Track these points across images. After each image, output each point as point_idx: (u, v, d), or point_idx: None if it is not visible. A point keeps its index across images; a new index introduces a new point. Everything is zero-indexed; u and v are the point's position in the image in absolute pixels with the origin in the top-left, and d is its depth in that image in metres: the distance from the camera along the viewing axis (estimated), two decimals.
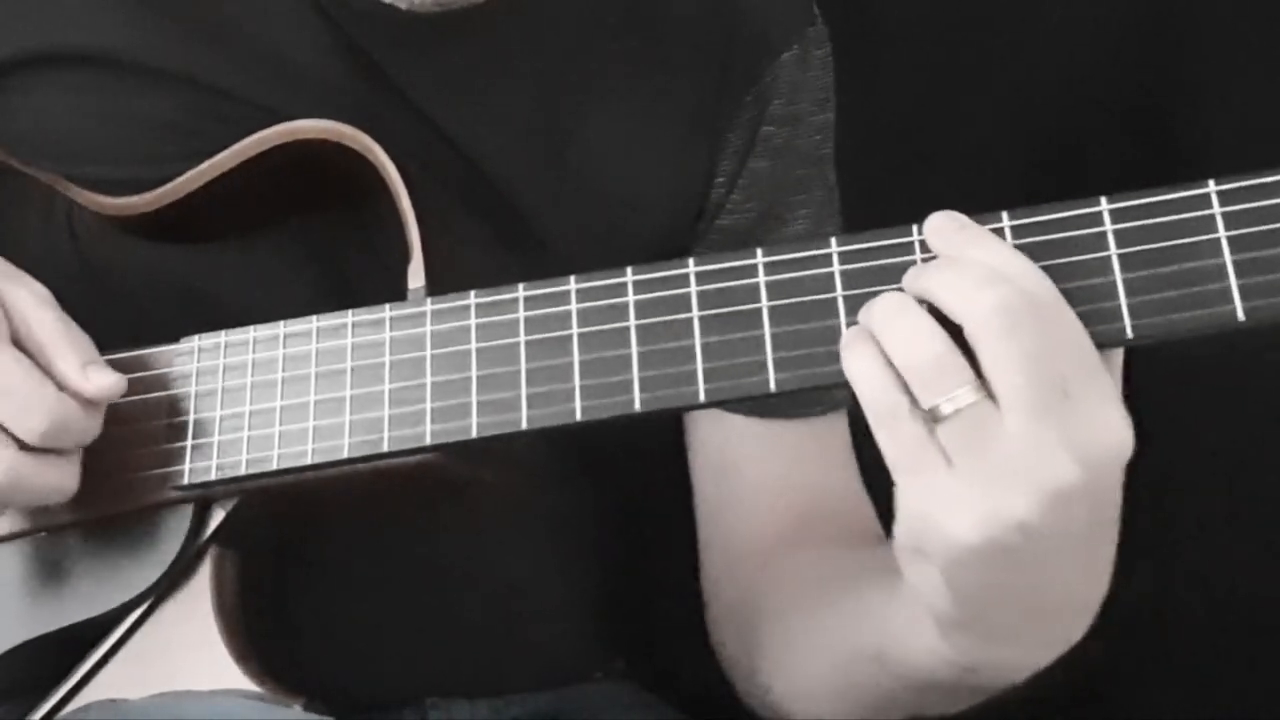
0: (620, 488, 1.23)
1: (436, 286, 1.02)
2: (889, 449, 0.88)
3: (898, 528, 0.90)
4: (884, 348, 0.88)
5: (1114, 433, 0.87)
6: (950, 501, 0.87)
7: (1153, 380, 1.55)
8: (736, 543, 1.21)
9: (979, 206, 0.93)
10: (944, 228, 0.91)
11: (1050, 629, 0.94)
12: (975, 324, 0.86)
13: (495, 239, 1.15)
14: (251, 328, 1.05)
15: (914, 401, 0.87)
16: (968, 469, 0.86)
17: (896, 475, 0.89)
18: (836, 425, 1.22)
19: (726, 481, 1.22)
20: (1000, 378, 0.86)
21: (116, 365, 1.06)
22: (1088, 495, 0.86)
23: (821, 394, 1.14)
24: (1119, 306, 0.89)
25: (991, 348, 0.86)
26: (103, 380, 1.01)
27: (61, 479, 1.01)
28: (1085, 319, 0.89)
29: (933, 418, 0.87)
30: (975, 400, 0.86)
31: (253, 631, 1.05)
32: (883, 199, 1.08)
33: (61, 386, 1.01)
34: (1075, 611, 0.94)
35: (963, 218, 0.91)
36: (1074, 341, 0.87)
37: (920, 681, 0.99)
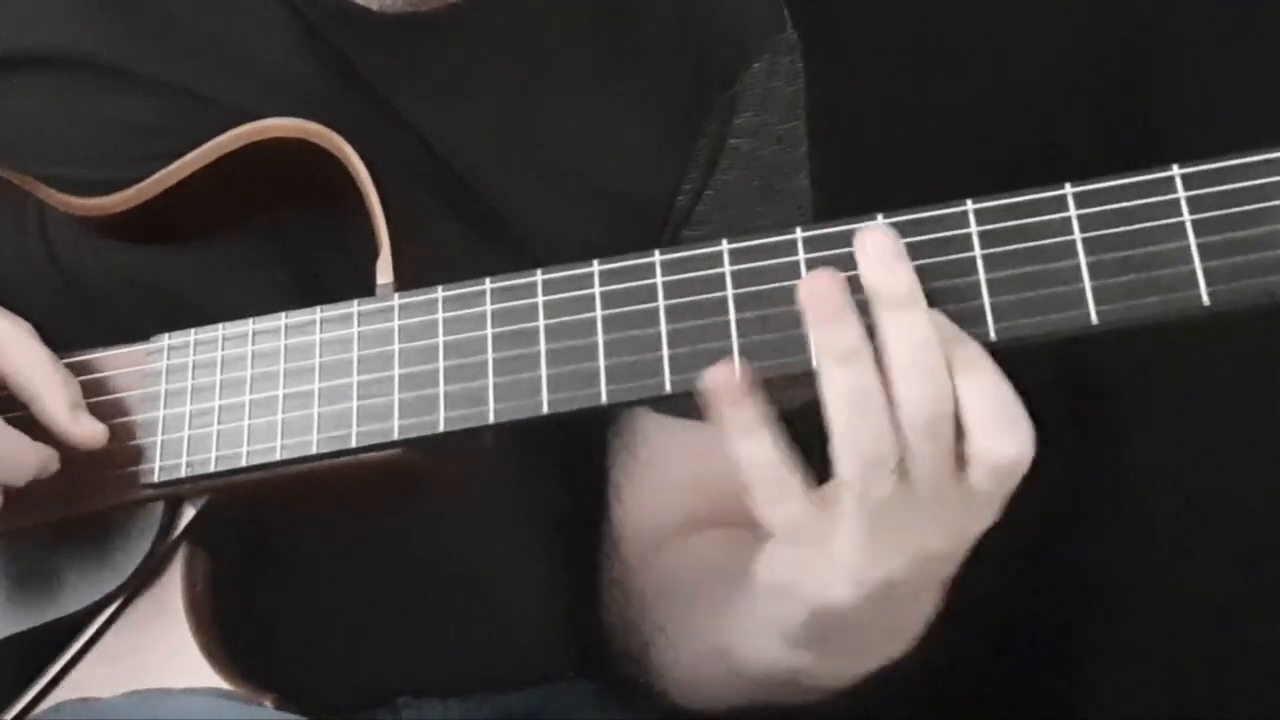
0: (593, 487, 1.23)
1: (405, 283, 1.02)
2: (774, 521, 0.92)
3: (766, 572, 0.96)
4: (828, 408, 0.89)
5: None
6: (829, 566, 0.93)
7: (1139, 374, 1.56)
8: (639, 532, 1.22)
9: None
10: (874, 255, 0.91)
11: (884, 648, 1.01)
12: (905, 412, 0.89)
13: (466, 236, 1.15)
14: (220, 325, 1.05)
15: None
16: (861, 535, 0.91)
17: (778, 538, 0.94)
18: None
19: (638, 473, 1.22)
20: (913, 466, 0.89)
21: (86, 365, 1.07)
22: (951, 557, 0.94)
23: None
24: (1083, 291, 0.89)
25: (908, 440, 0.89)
26: (91, 427, 1.03)
27: None
28: (1049, 305, 0.89)
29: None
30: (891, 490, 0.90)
31: (224, 629, 1.05)
32: (857, 199, 1.07)
33: (47, 425, 1.01)
34: (910, 633, 1.00)
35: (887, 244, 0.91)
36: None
37: (757, 675, 1.05)
